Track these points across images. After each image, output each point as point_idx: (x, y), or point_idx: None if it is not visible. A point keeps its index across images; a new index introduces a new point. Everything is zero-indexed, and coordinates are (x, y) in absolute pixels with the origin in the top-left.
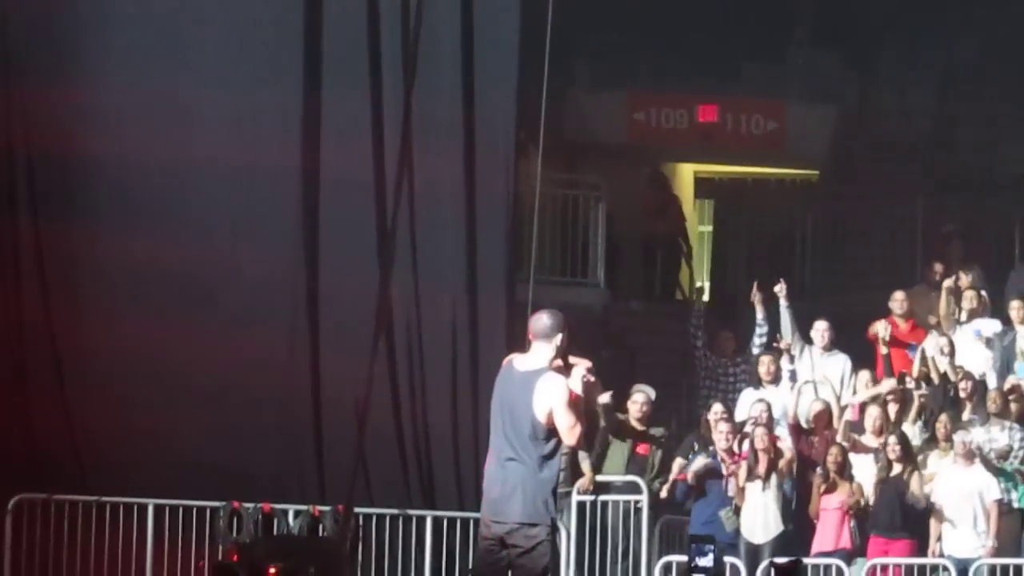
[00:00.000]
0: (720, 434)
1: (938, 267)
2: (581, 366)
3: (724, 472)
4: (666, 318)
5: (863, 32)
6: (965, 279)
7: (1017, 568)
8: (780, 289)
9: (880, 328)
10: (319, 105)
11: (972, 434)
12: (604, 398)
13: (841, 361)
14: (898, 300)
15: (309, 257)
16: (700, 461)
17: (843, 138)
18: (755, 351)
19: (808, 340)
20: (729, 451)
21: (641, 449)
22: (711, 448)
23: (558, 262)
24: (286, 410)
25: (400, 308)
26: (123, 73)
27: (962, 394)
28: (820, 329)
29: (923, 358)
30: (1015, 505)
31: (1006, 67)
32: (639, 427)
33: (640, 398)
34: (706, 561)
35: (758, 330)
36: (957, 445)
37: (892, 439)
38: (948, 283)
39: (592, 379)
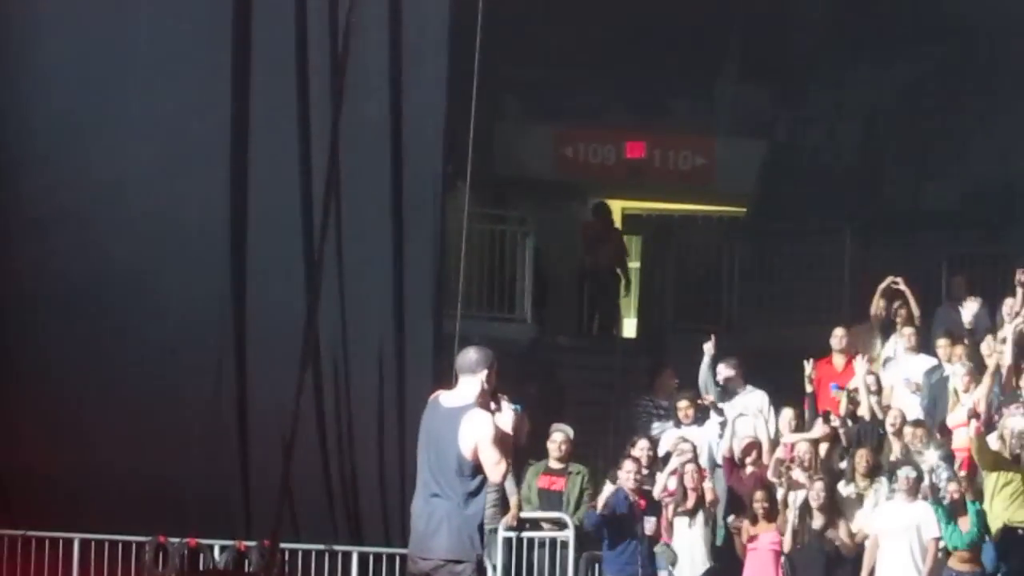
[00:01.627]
0: (627, 474)
1: (881, 303)
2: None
3: (634, 512)
4: (594, 353)
5: (791, 67)
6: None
7: None
8: (708, 347)
9: (807, 367)
10: (247, 136)
11: (913, 469)
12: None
13: (759, 397)
14: (837, 336)
15: (236, 287)
16: (608, 488)
17: (772, 173)
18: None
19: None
20: (637, 491)
21: (556, 485)
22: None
23: (485, 297)
24: (212, 444)
25: (327, 342)
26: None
27: (890, 429)
28: (723, 372)
29: (850, 396)
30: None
31: (934, 104)
32: (558, 466)
33: (559, 437)
34: None
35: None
36: (900, 480)
37: (818, 485)
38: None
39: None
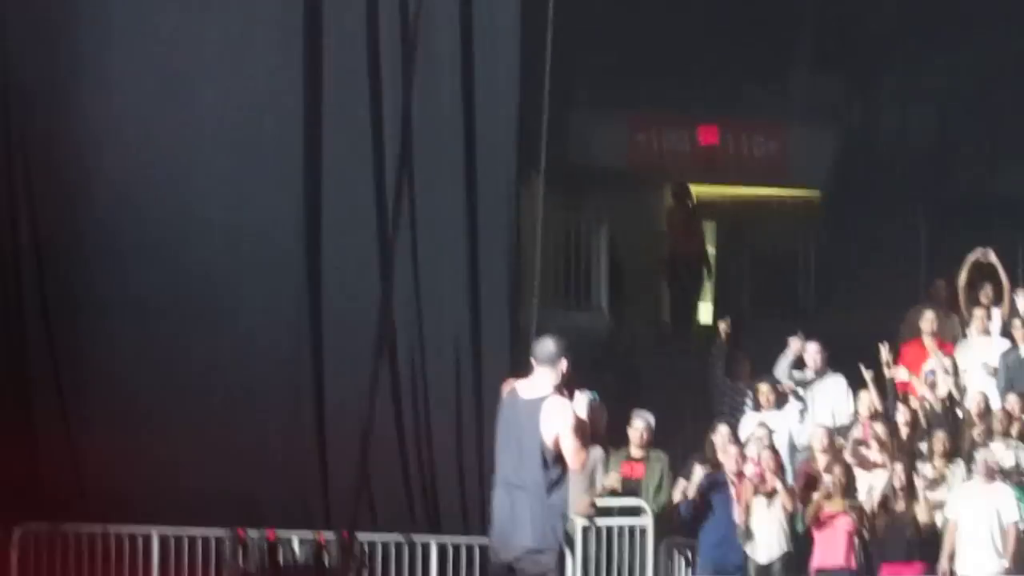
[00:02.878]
0: (730, 457)
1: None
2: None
3: (733, 494)
4: (670, 341)
5: (864, 53)
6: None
7: None
8: (794, 341)
9: (882, 352)
10: (319, 129)
11: (994, 452)
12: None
13: (838, 382)
14: (928, 319)
15: (312, 283)
16: (699, 472)
17: (845, 159)
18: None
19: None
20: (739, 473)
21: (636, 473)
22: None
23: (561, 287)
24: (290, 435)
25: (403, 333)
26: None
27: (974, 409)
28: (812, 352)
29: (930, 376)
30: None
31: (1008, 87)
32: (639, 453)
33: (640, 424)
34: None
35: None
36: (979, 464)
37: (899, 467)
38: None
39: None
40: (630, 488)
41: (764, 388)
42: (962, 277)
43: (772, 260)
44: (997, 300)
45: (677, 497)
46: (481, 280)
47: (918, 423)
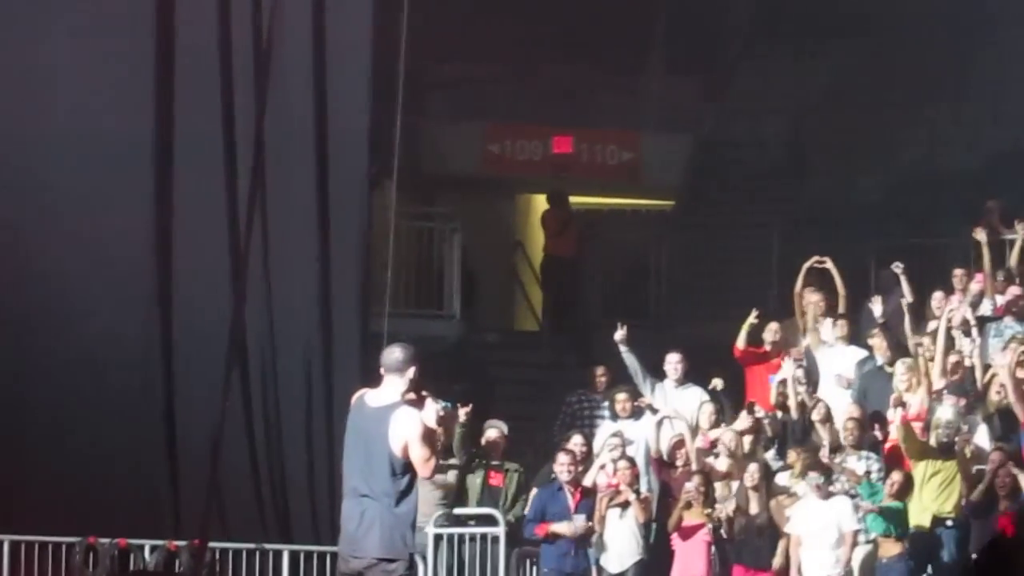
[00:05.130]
0: (561, 466)
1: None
2: (429, 402)
3: (570, 504)
4: (522, 349)
5: (718, 61)
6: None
7: None
8: (619, 336)
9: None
10: (171, 137)
11: (820, 475)
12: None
13: (696, 394)
14: (772, 330)
15: (163, 290)
16: (533, 493)
17: (698, 168)
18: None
19: (661, 373)
20: (573, 483)
21: (495, 480)
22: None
23: (413, 294)
24: (140, 441)
25: (254, 340)
26: None
27: (816, 416)
28: (673, 361)
29: (779, 385)
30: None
31: (859, 97)
32: (496, 461)
33: (493, 433)
34: None
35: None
36: (811, 486)
37: (753, 467)
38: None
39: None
40: (494, 496)
41: (621, 397)
42: (798, 284)
43: (625, 268)
44: (832, 309)
45: (531, 502)
46: (333, 288)
47: (761, 432)
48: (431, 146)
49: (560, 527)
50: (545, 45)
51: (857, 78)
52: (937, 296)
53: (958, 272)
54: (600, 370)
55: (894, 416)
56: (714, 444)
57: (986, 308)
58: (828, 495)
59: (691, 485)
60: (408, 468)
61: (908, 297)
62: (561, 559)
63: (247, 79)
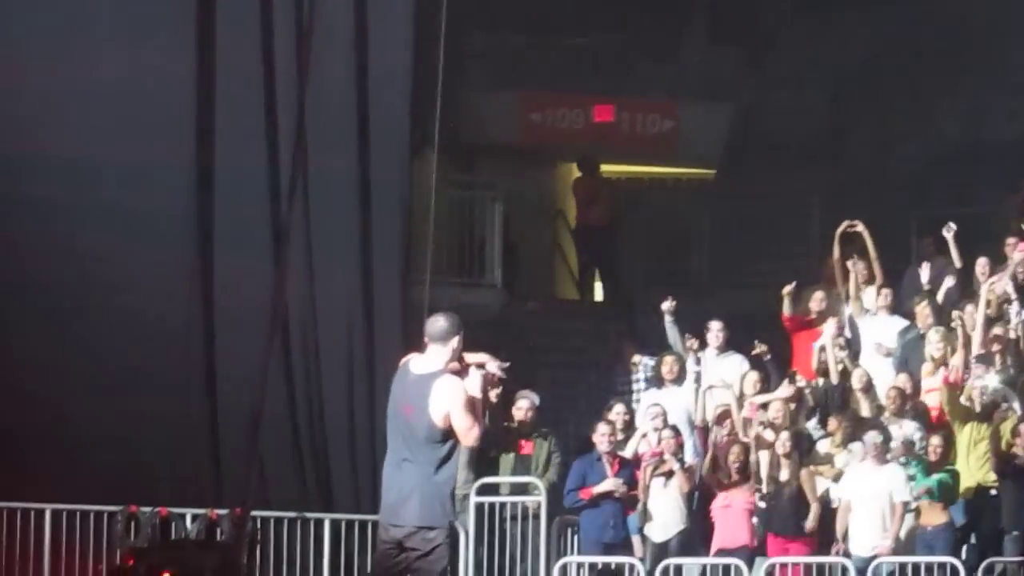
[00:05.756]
0: (601, 436)
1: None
2: (489, 363)
3: (609, 472)
4: (563, 318)
5: (758, 30)
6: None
7: (916, 567)
8: (667, 306)
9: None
10: (212, 105)
11: (879, 434)
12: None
13: (737, 362)
14: (817, 299)
15: (203, 258)
16: (608, 484)
17: (738, 137)
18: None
19: (703, 341)
20: (611, 453)
21: (525, 449)
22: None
23: (455, 263)
24: (182, 412)
25: (295, 309)
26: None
27: (856, 384)
28: (715, 329)
29: (820, 353)
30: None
31: (900, 65)
32: (526, 431)
33: (524, 404)
34: None
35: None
36: (868, 446)
37: (784, 435)
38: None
39: (498, 372)
40: (525, 464)
41: (669, 359)
42: (835, 251)
43: (666, 237)
44: (870, 277)
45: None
46: (374, 257)
47: (803, 401)
48: (471, 115)
49: (603, 485)
50: (587, 13)
51: (897, 47)
52: (981, 262)
53: (1011, 241)
54: (628, 348)
55: (932, 381)
56: (763, 408)
57: None
58: (884, 461)
59: (731, 458)
60: (448, 436)
61: (957, 263)
62: (601, 529)
63: (289, 51)
